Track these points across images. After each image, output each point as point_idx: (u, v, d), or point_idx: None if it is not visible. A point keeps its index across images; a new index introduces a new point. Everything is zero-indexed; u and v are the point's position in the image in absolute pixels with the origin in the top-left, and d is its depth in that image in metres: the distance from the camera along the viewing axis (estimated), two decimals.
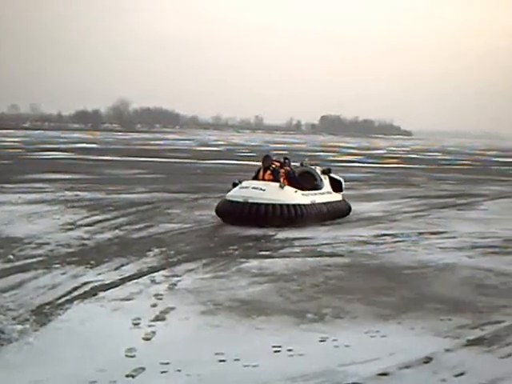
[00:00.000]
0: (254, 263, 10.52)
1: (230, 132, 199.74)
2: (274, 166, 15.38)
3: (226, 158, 45.90)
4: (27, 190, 20.34)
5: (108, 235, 12.81)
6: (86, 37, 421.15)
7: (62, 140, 79.14)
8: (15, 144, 61.69)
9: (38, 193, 19.73)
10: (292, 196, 14.60)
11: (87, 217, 15.05)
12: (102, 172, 29.78)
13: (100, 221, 14.55)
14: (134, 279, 9.22)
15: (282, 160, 15.87)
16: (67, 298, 8.14)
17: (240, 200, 14.28)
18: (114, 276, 9.37)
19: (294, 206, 14.38)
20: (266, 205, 14.11)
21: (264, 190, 14.35)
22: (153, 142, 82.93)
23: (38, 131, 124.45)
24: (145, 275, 9.47)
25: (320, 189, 15.91)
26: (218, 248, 11.81)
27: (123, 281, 9.11)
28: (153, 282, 9.12)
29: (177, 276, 9.48)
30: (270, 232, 13.69)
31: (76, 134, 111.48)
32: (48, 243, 11.73)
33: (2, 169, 30.07)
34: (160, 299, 8.19)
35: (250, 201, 14.16)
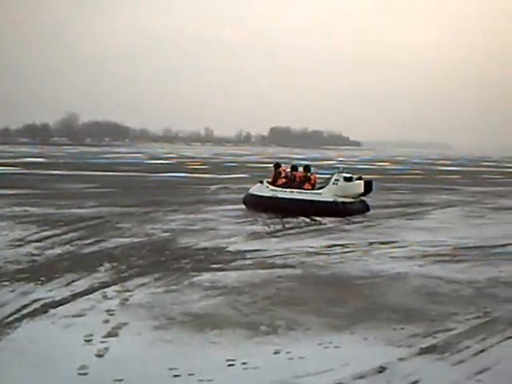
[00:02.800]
0: (205, 276, 10.47)
1: (181, 145, 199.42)
2: (280, 170, 21.44)
3: (177, 171, 45.72)
4: None
5: (58, 251, 12.64)
6: (34, 49, 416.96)
7: (9, 154, 78.06)
8: None
9: None
10: (261, 189, 21.04)
11: (37, 232, 14.83)
12: (51, 187, 29.40)
13: (50, 236, 14.34)
14: (86, 295, 9.10)
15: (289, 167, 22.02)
16: (16, 316, 7.99)
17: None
18: (65, 292, 9.24)
19: (258, 196, 20.88)
20: (251, 194, 21.29)
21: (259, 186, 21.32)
22: (102, 156, 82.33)
23: None
24: (96, 290, 9.36)
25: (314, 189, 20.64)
26: (170, 262, 11.74)
27: (74, 297, 8.98)
28: (104, 297, 9.02)
29: (128, 291, 9.39)
30: (222, 244, 13.67)
31: (24, 148, 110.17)
32: None
33: None
34: (112, 315, 8.10)
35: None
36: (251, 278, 10.34)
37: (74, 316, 8.03)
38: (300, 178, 20.89)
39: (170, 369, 6.23)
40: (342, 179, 20.15)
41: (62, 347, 6.87)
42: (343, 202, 19.74)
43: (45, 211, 19.10)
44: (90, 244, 13.50)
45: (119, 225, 16.46)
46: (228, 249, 13.24)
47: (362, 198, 20.52)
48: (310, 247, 13.59)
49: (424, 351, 6.93)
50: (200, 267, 11.26)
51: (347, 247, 13.71)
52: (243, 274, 10.71)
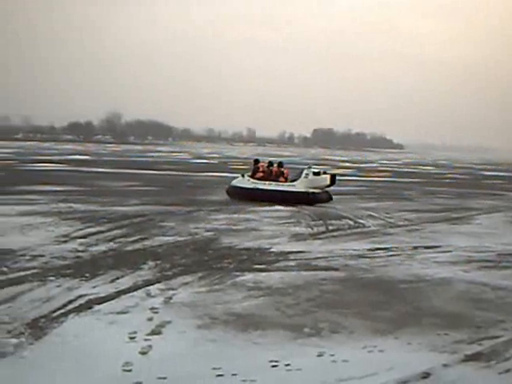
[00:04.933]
0: (249, 276, 10.48)
1: (223, 145, 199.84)
2: (258, 165, 25.04)
3: (219, 171, 45.86)
4: (20, 202, 20.27)
5: (103, 247, 12.75)
6: (78, 49, 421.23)
7: (54, 151, 79.04)
8: (8, 155, 61.53)
9: (31, 204, 19.66)
10: (242, 182, 24.62)
11: (81, 229, 14.99)
12: (95, 184, 29.70)
13: (94, 233, 14.49)
14: (130, 292, 9.17)
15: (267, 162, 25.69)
16: (62, 311, 8.09)
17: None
18: (110, 289, 9.32)
19: (241, 187, 24.44)
20: (235, 186, 24.79)
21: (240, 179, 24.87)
22: (145, 154, 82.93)
23: (31, 142, 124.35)
24: (140, 288, 9.42)
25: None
26: (213, 261, 11.77)
27: (118, 294, 9.05)
28: (148, 295, 9.07)
29: (172, 289, 9.44)
30: (265, 245, 13.68)
31: (69, 146, 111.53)
32: (42, 255, 11.65)
33: None
34: (156, 313, 8.14)
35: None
36: (294, 280, 10.32)
37: (118, 313, 8.09)
38: (275, 173, 24.83)
39: (214, 368, 6.24)
40: (311, 174, 24.08)
41: (106, 343, 6.92)
42: (313, 193, 23.73)
43: (89, 208, 19.30)
44: (134, 242, 13.60)
45: (162, 223, 16.55)
46: (271, 250, 13.23)
47: (327, 189, 24.20)
48: (354, 250, 13.53)
49: (469, 358, 6.85)
50: (243, 267, 11.28)
51: (391, 251, 13.61)
52: (286, 275, 10.70)
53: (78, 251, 12.24)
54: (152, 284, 9.72)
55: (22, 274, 10.09)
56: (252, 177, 24.69)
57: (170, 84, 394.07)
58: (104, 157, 69.41)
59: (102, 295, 8.94)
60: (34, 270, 10.37)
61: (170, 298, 8.92)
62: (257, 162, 25.57)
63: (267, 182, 24.22)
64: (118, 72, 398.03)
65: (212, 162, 67.66)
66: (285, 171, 24.96)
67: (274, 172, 24.85)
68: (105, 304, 8.49)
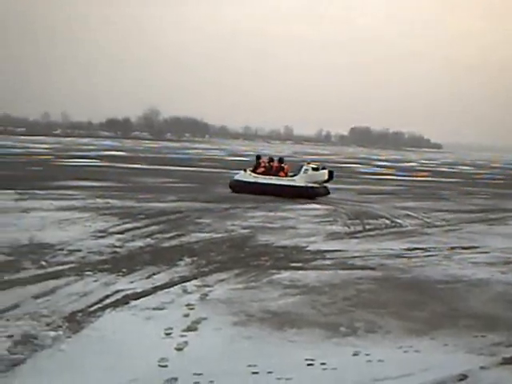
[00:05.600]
0: (285, 274, 10.48)
1: (260, 142, 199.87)
2: (260, 161, 26.37)
3: None
4: (58, 197, 20.49)
5: (139, 243, 12.85)
6: (116, 47, 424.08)
7: (92, 147, 79.72)
8: (47, 151, 62.20)
9: (69, 199, 19.87)
10: (245, 176, 25.96)
11: (118, 224, 15.11)
12: (132, 180, 29.93)
13: (131, 229, 14.60)
14: (166, 288, 9.22)
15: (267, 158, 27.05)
16: (99, 305, 8.17)
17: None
18: (146, 284, 9.38)
19: (244, 181, 25.76)
20: (237, 180, 26.24)
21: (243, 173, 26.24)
22: (182, 151, 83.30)
23: (69, 138, 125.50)
24: (176, 284, 9.47)
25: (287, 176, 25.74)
26: (250, 258, 11.79)
27: (155, 290, 9.11)
28: (184, 291, 9.12)
29: (208, 286, 9.48)
30: (301, 243, 13.67)
31: (106, 142, 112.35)
32: (79, 250, 11.78)
33: (34, 175, 30.33)
34: (192, 309, 8.18)
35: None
36: (331, 279, 10.31)
37: (154, 309, 8.14)
38: (276, 168, 26.06)
39: (249, 365, 6.26)
40: (310, 169, 25.46)
41: (142, 339, 6.97)
42: (312, 187, 25.09)
43: (126, 204, 19.44)
44: (171, 238, 13.68)
45: (199, 220, 16.63)
46: (308, 248, 13.22)
47: (325, 184, 25.55)
48: (391, 249, 13.47)
49: (507, 361, 6.76)
50: (279, 265, 11.28)
51: (428, 251, 13.52)
52: (323, 273, 10.68)
53: (115, 247, 12.35)
54: (188, 280, 9.78)
55: (60, 268, 10.22)
56: (254, 171, 26.04)
57: (208, 82, 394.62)
58: (141, 153, 69.88)
59: (139, 291, 9.01)
60: (72, 265, 10.49)
61: (206, 295, 8.96)
62: (259, 157, 27.06)
63: (268, 177, 25.60)
64: (157, 70, 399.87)
65: (248, 159, 67.72)
66: (285, 166, 26.21)
67: (274, 167, 26.13)
68: (141, 299, 8.55)
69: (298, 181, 25.21)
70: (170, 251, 12.20)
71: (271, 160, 26.72)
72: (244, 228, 15.54)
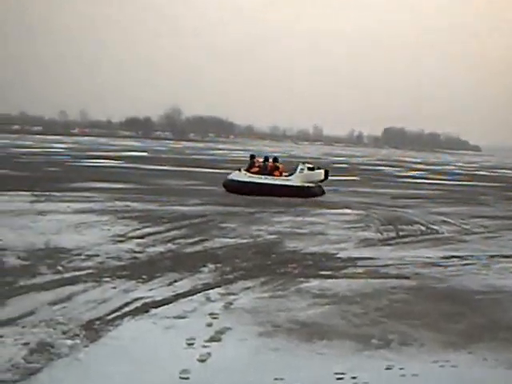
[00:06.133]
0: (314, 283, 10.46)
1: (288, 143, 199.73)
2: (254, 160, 27.31)
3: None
4: (76, 199, 20.61)
5: (160, 249, 12.89)
6: (136, 43, 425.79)
7: (111, 147, 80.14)
8: (64, 151, 62.63)
9: (86, 202, 19.98)
10: (239, 175, 26.56)
11: (138, 229, 15.17)
12: (153, 182, 30.02)
13: (152, 233, 14.65)
14: (188, 296, 9.24)
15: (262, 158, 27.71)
16: (118, 313, 8.20)
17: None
18: (167, 292, 9.41)
19: (238, 181, 26.27)
20: (232, 179, 26.67)
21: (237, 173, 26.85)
22: (206, 152, 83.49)
23: (87, 138, 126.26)
24: (199, 292, 9.48)
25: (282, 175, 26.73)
26: (276, 266, 11.78)
27: (176, 297, 9.13)
28: (208, 299, 9.13)
29: (233, 294, 9.48)
30: (331, 250, 13.64)
31: (126, 142, 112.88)
32: (97, 255, 11.84)
33: (51, 176, 30.51)
34: (215, 318, 8.19)
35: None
36: (362, 288, 10.27)
37: (175, 317, 8.15)
38: (271, 167, 26.96)
39: (276, 379, 6.25)
40: (306, 169, 26.57)
41: (163, 349, 6.99)
42: (308, 187, 26.21)
43: (147, 207, 19.51)
44: (194, 243, 13.71)
45: (223, 224, 16.65)
46: (338, 255, 13.19)
47: (320, 183, 26.77)
48: (426, 257, 13.39)
49: None
50: (308, 273, 11.26)
51: (466, 259, 13.43)
52: (354, 282, 10.65)
53: (135, 252, 12.39)
54: (212, 288, 9.79)
55: (77, 273, 10.27)
56: (248, 171, 26.89)
57: (233, 79, 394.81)
58: (163, 154, 70.12)
59: (160, 298, 9.03)
60: (89, 271, 10.54)
61: (231, 304, 8.96)
62: (253, 157, 27.92)
63: (263, 176, 26.44)
64: (178, 67, 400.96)
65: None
66: (280, 166, 27.20)
67: (269, 167, 27.02)
68: (162, 308, 8.57)
69: (294, 180, 26.29)
70: (193, 257, 12.23)
71: (266, 159, 27.58)
72: (270, 233, 15.53)
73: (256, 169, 26.98)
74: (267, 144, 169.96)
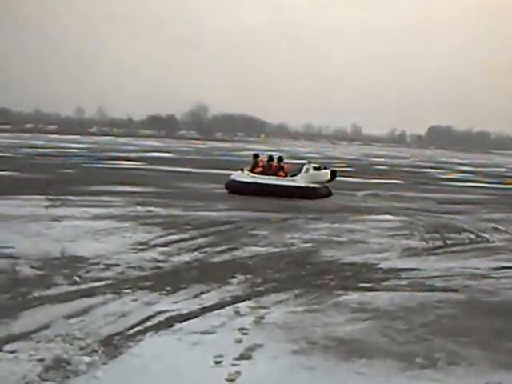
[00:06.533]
0: (353, 296, 10.42)
1: (324, 143, 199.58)
2: (258, 160, 28.47)
3: None
4: (93, 204, 20.73)
5: (186, 258, 12.92)
6: (159, 35, 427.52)
7: (132, 148, 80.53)
8: (81, 151, 63.02)
9: (105, 207, 20.09)
10: (242, 176, 27.49)
11: (162, 236, 15.22)
12: (178, 185, 30.12)
13: (176, 241, 14.69)
14: (216, 310, 9.24)
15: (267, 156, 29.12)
16: (139, 328, 8.21)
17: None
18: (193, 305, 9.41)
19: (240, 181, 27.27)
20: (234, 180, 27.70)
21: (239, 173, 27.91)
22: (235, 153, 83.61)
23: (106, 137, 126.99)
24: (228, 305, 9.48)
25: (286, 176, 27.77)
26: (312, 277, 11.76)
27: (203, 311, 9.14)
28: (237, 313, 9.13)
29: (264, 308, 9.47)
30: (372, 260, 13.59)
31: (148, 142, 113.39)
32: (117, 265, 11.89)
33: (66, 179, 30.73)
34: (245, 334, 8.18)
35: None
36: (406, 302, 10.22)
37: (202, 333, 8.15)
38: (275, 167, 27.96)
39: None
40: (311, 168, 27.60)
41: (188, 367, 6.99)
42: (313, 187, 27.15)
43: (171, 212, 19.58)
44: (222, 252, 13.73)
45: (254, 232, 16.66)
46: (379, 266, 13.14)
47: (327, 184, 27.90)
48: (476, 268, 13.30)
49: None
50: (347, 285, 11.22)
51: None
52: (397, 295, 10.60)
53: (158, 261, 12.43)
54: (241, 301, 9.78)
55: (96, 284, 10.32)
56: (251, 171, 27.81)
57: (263, 74, 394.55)
58: (188, 155, 70.36)
59: (185, 312, 9.04)
60: (109, 281, 10.59)
61: (262, 318, 8.95)
62: (256, 156, 28.98)
63: (267, 177, 27.38)
64: (204, 60, 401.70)
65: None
66: (284, 166, 28.30)
67: (273, 167, 28.04)
68: (187, 322, 8.58)
69: (299, 181, 27.22)
70: (221, 267, 12.24)
71: (270, 159, 28.62)
72: (305, 241, 15.51)
73: (260, 169, 27.89)
74: (301, 144, 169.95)
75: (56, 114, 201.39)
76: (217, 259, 13.00)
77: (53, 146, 75.42)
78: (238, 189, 27.11)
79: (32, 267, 11.32)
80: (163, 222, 17.49)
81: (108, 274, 11.14)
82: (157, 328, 8.25)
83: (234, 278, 11.31)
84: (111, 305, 9.22)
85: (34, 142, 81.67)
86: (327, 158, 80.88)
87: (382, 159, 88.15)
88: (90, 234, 14.95)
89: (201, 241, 14.91)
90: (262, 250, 14.21)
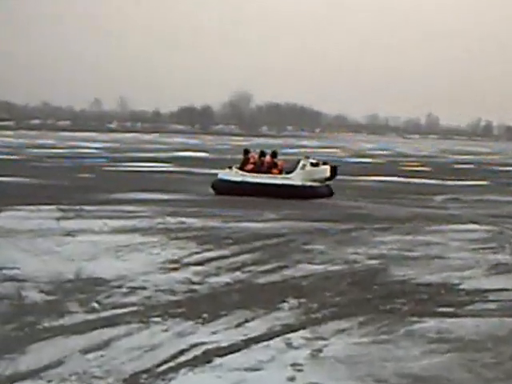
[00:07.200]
0: (430, 324, 10.36)
1: (392, 137, 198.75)
2: (248, 156, 29.84)
3: (387, 174, 45.68)
4: (114, 215, 20.89)
5: (226, 278, 12.94)
6: (190, 20, 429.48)
7: (160, 147, 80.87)
8: (98, 152, 63.44)
9: (129, 218, 20.23)
10: (230, 174, 29.00)
11: (197, 252, 15.28)
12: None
13: (214, 258, 14.74)
14: (263, 341, 9.23)
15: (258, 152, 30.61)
16: (171, 364, 8.24)
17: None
18: (235, 336, 9.42)
19: (228, 180, 28.79)
20: (222, 179, 29.35)
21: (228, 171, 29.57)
22: (284, 151, 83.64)
23: (129, 134, 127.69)
24: (277, 336, 9.47)
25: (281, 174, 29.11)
26: (380, 300, 11.71)
27: (247, 343, 9.13)
28: (289, 345, 9.12)
29: (322, 339, 9.45)
30: (453, 279, 13.51)
31: (179, 139, 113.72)
32: (144, 287, 11.95)
33: (82, 185, 30.99)
34: (299, 370, 8.17)
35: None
36: (495, 329, 10.14)
37: (246, 369, 8.16)
38: (268, 164, 29.33)
39: None
40: (308, 164, 28.74)
41: None
42: (311, 186, 28.35)
43: (207, 224, 19.65)
44: (269, 271, 13.73)
45: (308, 246, 16.65)
46: (462, 286, 13.05)
47: (328, 182, 29.01)
48: None
49: None
50: (422, 310, 11.15)
51: None
52: (484, 322, 10.52)
53: (193, 283, 12.48)
54: (294, 331, 9.77)
55: (118, 312, 10.38)
56: (241, 169, 29.34)
57: (316, 58, 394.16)
58: (227, 154, 70.45)
59: (225, 344, 9.05)
60: (134, 308, 10.65)
61: (319, 351, 8.94)
62: (247, 152, 30.47)
63: (258, 175, 28.80)
64: (247, 42, 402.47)
65: (377, 161, 67.52)
66: (279, 162, 29.74)
67: (266, 163, 29.46)
68: (229, 357, 8.59)
69: (294, 179, 28.55)
70: (268, 290, 12.26)
71: (262, 154, 30.10)
72: (371, 257, 15.46)
73: (250, 166, 29.33)
74: (364, 138, 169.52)
75: (68, 107, 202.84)
76: (263, 280, 13.01)
77: (65, 145, 76.13)
78: (226, 189, 28.55)
79: (41, 292, 11.43)
80: (198, 235, 17.56)
81: (133, 299, 11.20)
82: (192, 364, 8.27)
83: (284, 302, 11.30)
84: (137, 336, 9.26)
85: (42, 142, 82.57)
86: (397, 156, 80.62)
87: (466, 156, 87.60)
88: (111, 251, 15.05)
89: (244, 258, 14.94)
90: (319, 268, 14.19)
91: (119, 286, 11.96)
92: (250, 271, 13.68)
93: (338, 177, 33.96)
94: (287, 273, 13.64)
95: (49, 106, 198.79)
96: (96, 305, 10.72)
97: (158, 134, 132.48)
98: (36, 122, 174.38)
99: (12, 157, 52.22)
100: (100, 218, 20.07)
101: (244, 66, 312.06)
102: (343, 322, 10.30)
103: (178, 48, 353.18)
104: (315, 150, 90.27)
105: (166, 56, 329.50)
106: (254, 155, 30.04)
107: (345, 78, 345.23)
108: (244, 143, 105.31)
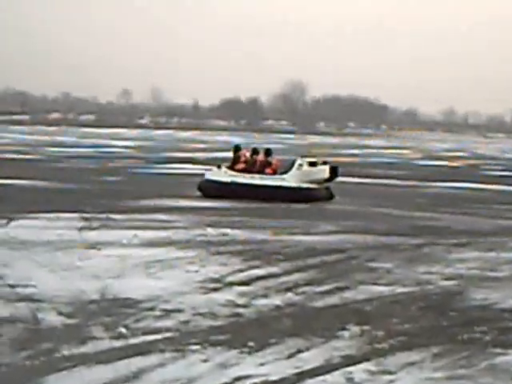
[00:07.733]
0: None
1: (472, 136, 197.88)
2: (239, 154, 31.00)
3: (466, 180, 45.48)
4: (146, 225, 20.96)
5: (276, 301, 12.93)
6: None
7: (199, 146, 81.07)
8: (128, 151, 63.74)
9: (162, 229, 20.29)
10: (218, 174, 30.07)
11: (242, 270, 15.29)
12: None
13: (262, 277, 14.73)
14: (319, 375, 9.20)
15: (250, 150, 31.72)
16: None
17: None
18: (287, 368, 9.39)
19: (215, 181, 29.87)
20: (209, 180, 30.58)
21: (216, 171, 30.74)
22: (343, 152, 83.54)
23: (163, 131, 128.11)
24: (336, 369, 9.44)
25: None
26: (457, 329, 11.64)
27: (301, 377, 9.11)
28: (349, 380, 9.08)
29: (389, 373, 9.40)
30: None
31: (221, 137, 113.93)
32: (180, 310, 11.97)
33: (108, 190, 31.14)
34: None
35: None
36: None
37: None
38: (261, 163, 30.41)
39: None
40: (305, 164, 29.76)
41: None
42: (308, 188, 29.33)
43: (254, 236, 19.66)
44: (326, 293, 13.71)
45: (372, 264, 16.61)
46: None
47: (327, 184, 30.07)
48: None
49: None
50: (507, 341, 11.07)
51: None
52: None
53: (237, 306, 12.48)
54: (356, 363, 9.73)
55: (150, 338, 10.40)
56: (231, 168, 30.53)
57: (380, 45, 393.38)
58: (278, 154, 70.47)
59: (275, 378, 9.03)
60: (168, 334, 10.66)
61: None
62: (237, 149, 31.71)
63: (249, 175, 29.88)
64: (296, 30, 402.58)
65: (453, 164, 67.26)
66: (273, 161, 31.05)
67: (258, 162, 30.58)
68: None
69: (289, 180, 29.61)
70: (326, 315, 12.24)
71: (255, 152, 31.22)
72: (447, 278, 15.39)
73: (241, 165, 30.51)
74: (438, 137, 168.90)
75: (93, 98, 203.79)
76: (319, 303, 12.99)
77: (88, 143, 76.55)
78: (213, 190, 29.63)
79: (60, 314, 11.47)
80: (243, 250, 17.57)
81: (167, 323, 11.23)
82: None
83: (344, 329, 11.27)
84: (172, 367, 9.26)
85: (62, 139, 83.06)
86: (475, 158, 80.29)
87: None
88: (142, 268, 15.10)
89: (297, 277, 14.93)
90: (385, 290, 14.14)
91: (151, 309, 11.99)
92: (303, 292, 13.66)
93: (407, 182, 33.91)
94: (347, 295, 13.61)
95: (70, 97, 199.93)
96: (124, 330, 10.74)
97: (197, 132, 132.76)
98: (55, 115, 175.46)
99: (27, 156, 52.58)
100: (129, 228, 20.16)
101: (297, 54, 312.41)
102: (413, 353, 10.25)
103: (216, 30, 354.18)
104: (381, 150, 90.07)
105: (203, 41, 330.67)
106: (246, 153, 30.91)
107: (414, 66, 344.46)
108: (301, 142, 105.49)
